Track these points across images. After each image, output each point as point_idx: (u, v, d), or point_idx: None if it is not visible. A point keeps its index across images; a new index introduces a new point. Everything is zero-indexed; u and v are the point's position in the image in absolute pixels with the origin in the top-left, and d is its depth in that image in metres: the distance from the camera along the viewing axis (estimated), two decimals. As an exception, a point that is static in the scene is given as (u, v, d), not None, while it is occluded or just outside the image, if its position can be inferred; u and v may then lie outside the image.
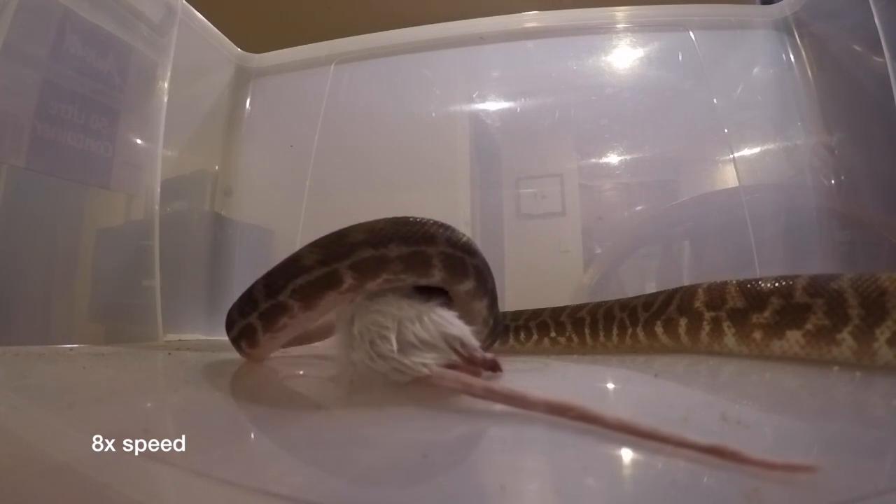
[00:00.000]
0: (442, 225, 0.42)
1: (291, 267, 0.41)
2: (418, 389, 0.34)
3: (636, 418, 0.23)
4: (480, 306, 0.46)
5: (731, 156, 0.88)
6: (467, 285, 0.43)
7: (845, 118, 0.85)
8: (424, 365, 0.34)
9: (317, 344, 0.76)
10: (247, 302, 0.44)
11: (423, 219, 0.42)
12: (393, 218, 0.42)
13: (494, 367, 0.38)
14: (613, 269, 0.91)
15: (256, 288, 0.43)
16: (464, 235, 0.44)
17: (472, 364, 0.36)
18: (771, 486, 0.18)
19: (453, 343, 0.36)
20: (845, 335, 0.40)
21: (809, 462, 0.18)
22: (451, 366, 0.35)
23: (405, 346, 0.35)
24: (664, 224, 0.93)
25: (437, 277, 0.41)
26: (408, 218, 0.42)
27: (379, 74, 1.06)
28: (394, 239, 0.40)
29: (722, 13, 0.96)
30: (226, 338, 0.49)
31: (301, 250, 0.41)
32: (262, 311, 0.42)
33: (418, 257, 0.40)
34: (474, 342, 0.37)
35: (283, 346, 0.50)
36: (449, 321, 0.37)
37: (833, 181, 0.85)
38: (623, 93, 0.96)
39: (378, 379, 0.35)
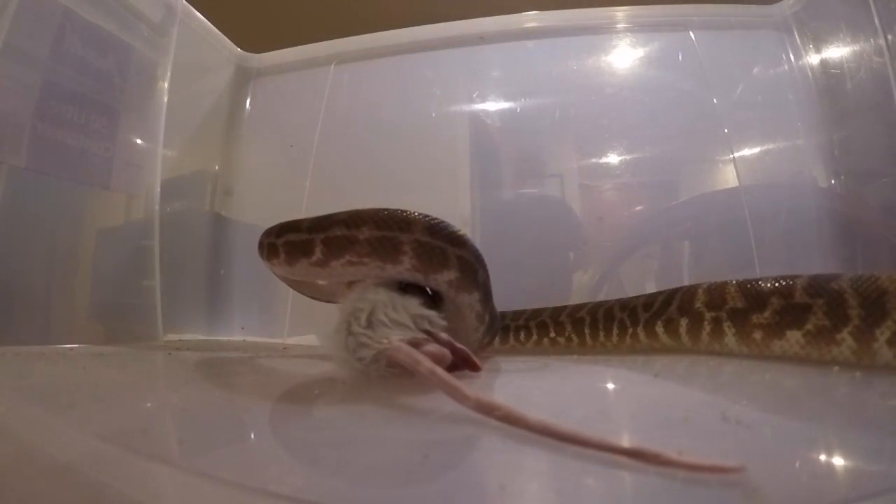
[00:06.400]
0: (427, 216, 0.43)
1: (293, 223, 0.45)
2: (417, 390, 0.34)
3: (558, 421, 0.23)
4: (470, 300, 0.45)
5: (731, 156, 0.88)
6: (447, 276, 0.43)
7: (845, 118, 0.85)
8: (386, 338, 0.36)
9: (316, 344, 0.76)
10: (272, 228, 0.48)
11: (412, 211, 0.43)
12: (385, 208, 0.43)
13: (471, 365, 0.39)
14: (613, 269, 0.91)
15: (281, 223, 0.47)
16: (451, 226, 0.44)
17: (437, 342, 0.38)
18: (772, 487, 0.18)
19: (420, 323, 0.38)
20: (845, 335, 0.40)
21: (734, 463, 0.18)
22: (415, 346, 0.36)
23: (375, 324, 0.37)
24: (664, 224, 0.93)
25: (406, 265, 0.41)
26: (397, 209, 0.43)
27: (379, 74, 1.06)
28: (368, 222, 0.41)
29: (722, 13, 0.96)
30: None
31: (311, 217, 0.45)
32: (269, 241, 0.47)
33: (387, 242, 0.41)
34: (441, 323, 0.40)
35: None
36: (419, 305, 0.40)
37: (833, 181, 0.85)
38: (623, 93, 0.96)
39: (353, 365, 0.37)
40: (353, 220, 0.42)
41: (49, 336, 0.69)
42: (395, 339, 0.36)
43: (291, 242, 0.44)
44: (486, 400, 0.26)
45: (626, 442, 0.21)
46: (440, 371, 0.31)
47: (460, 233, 0.44)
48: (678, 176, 0.95)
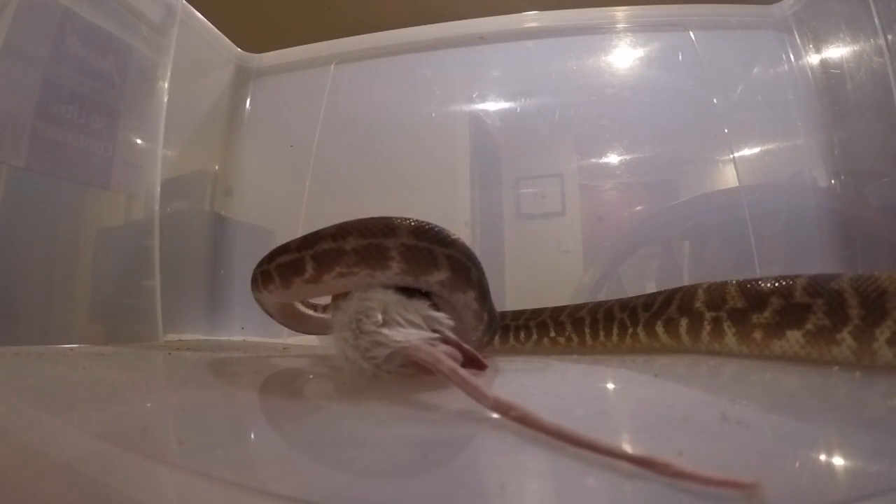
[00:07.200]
0: (412, 220, 0.43)
1: (283, 246, 0.46)
2: (416, 390, 0.34)
3: (573, 427, 0.23)
4: (466, 299, 0.45)
5: (731, 156, 0.88)
6: (438, 276, 0.43)
7: (845, 118, 0.85)
8: (404, 338, 0.36)
9: (316, 344, 0.76)
10: (263, 257, 0.48)
11: (395, 217, 0.43)
12: (372, 217, 0.43)
13: (478, 364, 0.40)
14: (613, 269, 0.91)
15: (272, 250, 0.47)
16: (437, 227, 0.44)
17: (445, 343, 0.38)
18: (772, 487, 0.18)
19: (431, 323, 0.39)
20: (845, 335, 0.40)
21: (749, 479, 0.17)
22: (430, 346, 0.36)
23: (390, 323, 0.38)
24: (664, 224, 0.93)
25: (394, 269, 0.42)
26: (382, 216, 0.43)
27: (379, 74, 1.06)
28: (353, 233, 0.42)
29: (722, 13, 0.96)
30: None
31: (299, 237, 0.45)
32: (262, 270, 0.47)
33: (373, 250, 0.41)
34: (449, 324, 0.40)
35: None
36: (428, 307, 0.40)
37: (833, 181, 0.85)
38: (623, 93, 0.96)
39: (361, 364, 0.37)
40: (339, 232, 0.43)
41: (49, 336, 0.69)
42: (415, 339, 0.36)
43: (283, 264, 0.45)
44: (504, 400, 0.26)
45: (636, 449, 0.21)
46: (461, 370, 0.31)
47: (448, 233, 0.44)
48: (678, 176, 0.95)
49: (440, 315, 0.40)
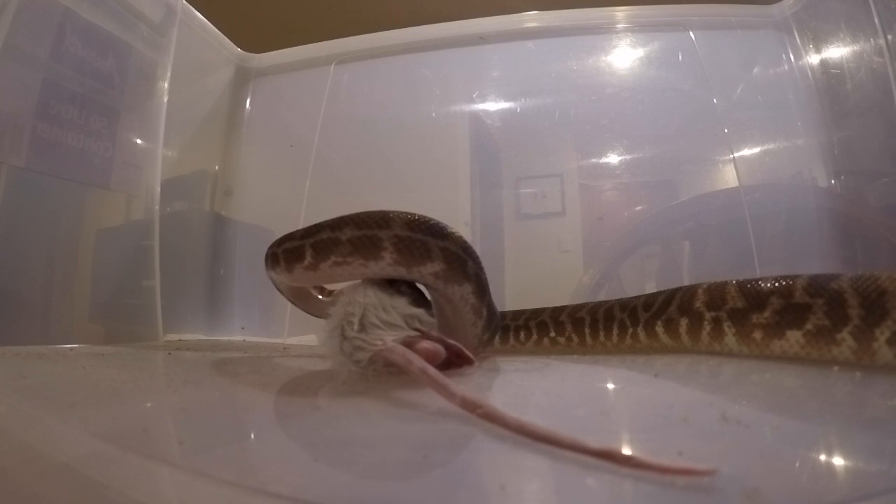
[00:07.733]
0: (410, 214, 0.44)
1: (292, 233, 0.47)
2: (417, 389, 0.34)
3: (533, 422, 0.23)
4: (462, 292, 0.45)
5: (731, 156, 0.88)
6: (432, 268, 0.43)
7: (845, 118, 0.85)
8: (381, 339, 0.37)
9: (316, 344, 0.76)
10: (275, 240, 0.50)
11: (395, 210, 0.44)
12: (373, 210, 0.44)
13: (465, 359, 0.40)
14: (613, 269, 0.91)
15: (283, 235, 0.49)
16: (433, 221, 0.44)
17: (427, 338, 0.38)
18: (771, 487, 0.18)
19: (411, 322, 0.40)
20: (845, 335, 0.40)
21: (707, 466, 0.18)
22: (409, 345, 0.37)
23: (368, 327, 0.38)
24: (664, 224, 0.93)
25: (387, 260, 0.42)
26: (383, 210, 0.44)
27: (379, 74, 1.06)
28: (350, 224, 0.43)
29: (722, 13, 0.96)
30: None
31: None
32: (272, 252, 0.49)
33: (367, 240, 0.43)
34: (430, 320, 0.41)
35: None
36: (408, 305, 0.41)
37: (833, 181, 0.85)
38: (623, 93, 0.96)
39: (350, 368, 0.38)
40: (338, 223, 0.44)
41: (49, 336, 0.69)
42: (389, 340, 0.37)
43: (288, 250, 0.47)
44: (470, 398, 0.27)
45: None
46: (430, 369, 0.32)
47: (444, 226, 0.45)
48: (678, 176, 0.95)
49: (419, 311, 0.40)
